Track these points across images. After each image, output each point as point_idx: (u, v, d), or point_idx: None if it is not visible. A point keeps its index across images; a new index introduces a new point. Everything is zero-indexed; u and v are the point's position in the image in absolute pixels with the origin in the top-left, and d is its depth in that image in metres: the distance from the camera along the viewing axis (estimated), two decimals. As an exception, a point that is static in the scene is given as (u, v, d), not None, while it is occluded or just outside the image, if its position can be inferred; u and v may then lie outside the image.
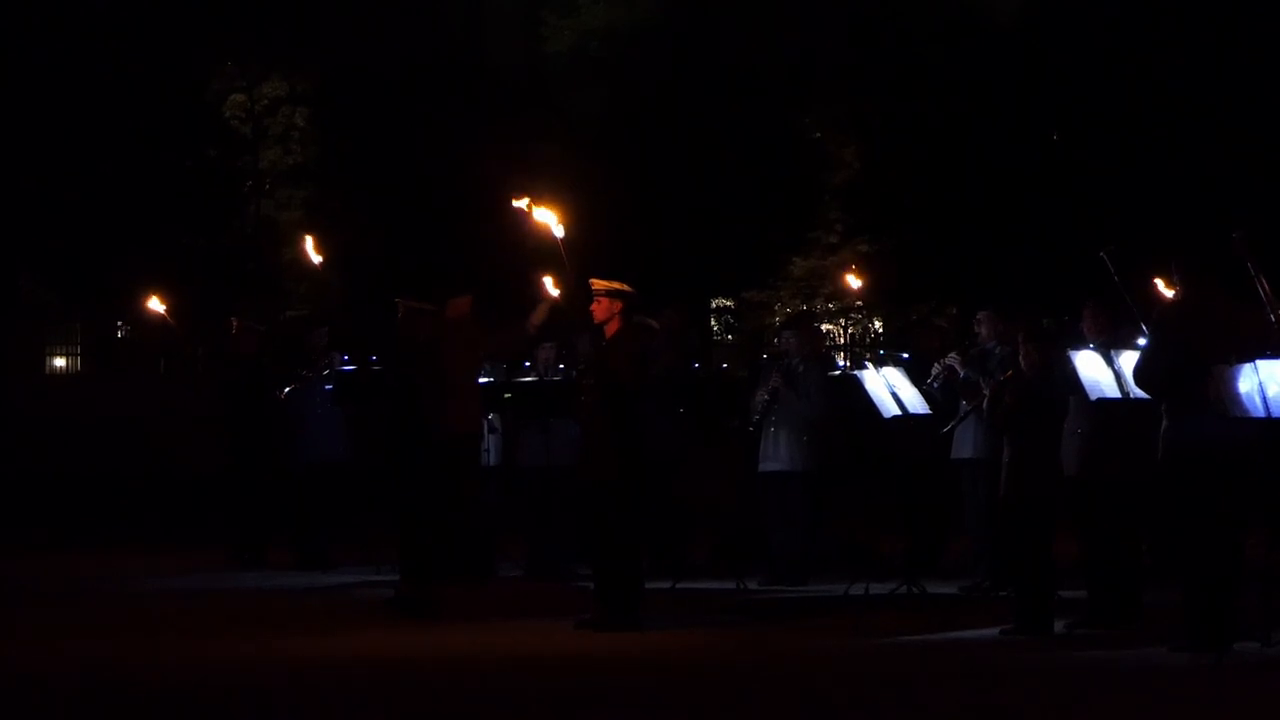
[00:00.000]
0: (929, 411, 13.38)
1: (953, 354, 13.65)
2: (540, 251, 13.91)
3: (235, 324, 17.16)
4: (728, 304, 30.36)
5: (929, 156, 26.86)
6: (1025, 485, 11.31)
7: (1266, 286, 9.96)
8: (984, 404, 11.91)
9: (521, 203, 12.49)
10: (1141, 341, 10.99)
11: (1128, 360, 10.78)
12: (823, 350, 16.68)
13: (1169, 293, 11.34)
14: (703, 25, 27.85)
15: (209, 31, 28.45)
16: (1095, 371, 11.07)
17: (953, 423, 13.06)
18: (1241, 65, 25.28)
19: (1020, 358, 11.53)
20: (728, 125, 27.99)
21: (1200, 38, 25.64)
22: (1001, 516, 11.72)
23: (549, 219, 12.45)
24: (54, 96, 27.73)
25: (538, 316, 13.93)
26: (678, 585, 13.90)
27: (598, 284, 12.03)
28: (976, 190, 26.78)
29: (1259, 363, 9.52)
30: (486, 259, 23.79)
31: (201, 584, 15.21)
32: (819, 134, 28.43)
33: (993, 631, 11.32)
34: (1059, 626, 11.27)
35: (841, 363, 21.50)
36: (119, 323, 32.22)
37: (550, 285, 14.46)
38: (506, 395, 14.86)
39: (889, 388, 13.40)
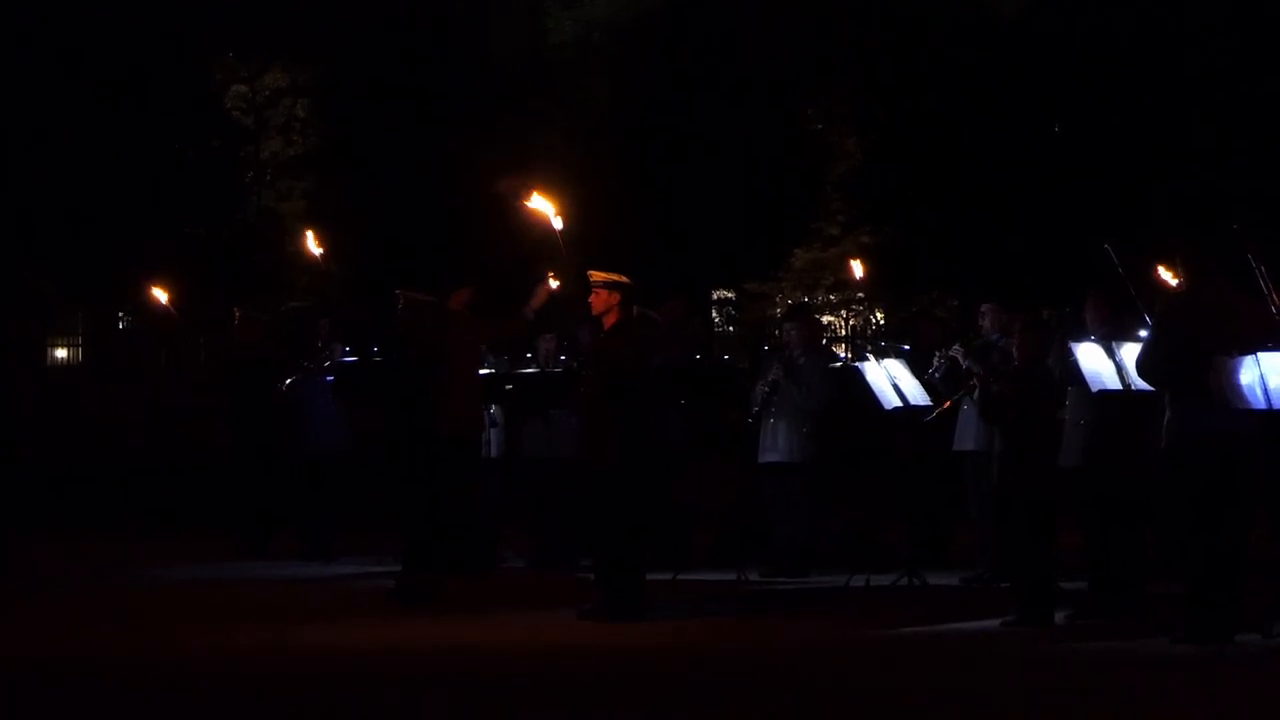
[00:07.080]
0: (930, 403, 13.39)
1: (956, 345, 13.65)
2: (541, 243, 13.92)
3: (238, 314, 17.17)
4: (729, 295, 30.33)
5: (930, 147, 26.82)
6: (1017, 476, 11.30)
7: (1267, 278, 9.95)
8: (975, 393, 11.91)
9: (532, 201, 12.52)
10: (1143, 333, 11.00)
11: (1129, 352, 10.79)
12: (823, 342, 16.68)
13: (1175, 283, 11.33)
14: (705, 16, 27.82)
15: (211, 22, 28.43)
16: (1097, 363, 11.08)
17: (937, 410, 13.03)
18: (1241, 61, 25.25)
19: (1015, 348, 11.54)
20: (730, 116, 27.95)
21: (1199, 36, 25.61)
22: (997, 508, 11.73)
23: (547, 210, 12.46)
24: (56, 88, 27.71)
25: (536, 301, 13.91)
26: (679, 576, 13.92)
27: (596, 275, 12.03)
28: (978, 182, 26.73)
29: (1260, 354, 9.52)
30: (488, 250, 23.76)
31: (203, 574, 15.22)
32: (820, 125, 28.40)
33: (994, 623, 11.32)
34: (1060, 618, 11.27)
35: (842, 354, 21.51)
36: (120, 313, 32.19)
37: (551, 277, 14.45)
38: (508, 387, 14.86)
39: (890, 379, 13.43)
